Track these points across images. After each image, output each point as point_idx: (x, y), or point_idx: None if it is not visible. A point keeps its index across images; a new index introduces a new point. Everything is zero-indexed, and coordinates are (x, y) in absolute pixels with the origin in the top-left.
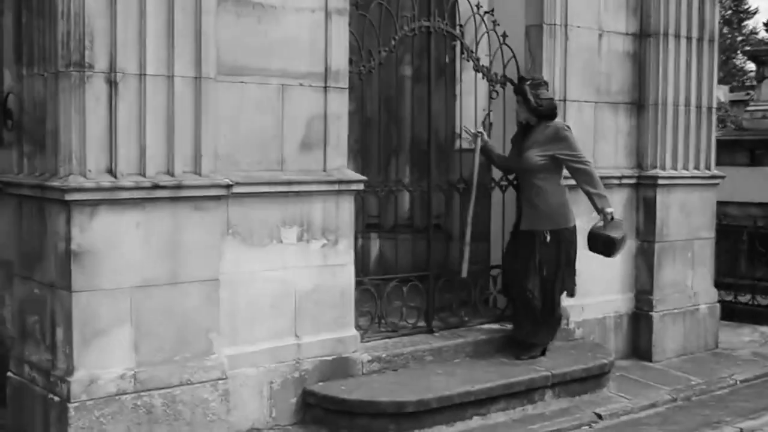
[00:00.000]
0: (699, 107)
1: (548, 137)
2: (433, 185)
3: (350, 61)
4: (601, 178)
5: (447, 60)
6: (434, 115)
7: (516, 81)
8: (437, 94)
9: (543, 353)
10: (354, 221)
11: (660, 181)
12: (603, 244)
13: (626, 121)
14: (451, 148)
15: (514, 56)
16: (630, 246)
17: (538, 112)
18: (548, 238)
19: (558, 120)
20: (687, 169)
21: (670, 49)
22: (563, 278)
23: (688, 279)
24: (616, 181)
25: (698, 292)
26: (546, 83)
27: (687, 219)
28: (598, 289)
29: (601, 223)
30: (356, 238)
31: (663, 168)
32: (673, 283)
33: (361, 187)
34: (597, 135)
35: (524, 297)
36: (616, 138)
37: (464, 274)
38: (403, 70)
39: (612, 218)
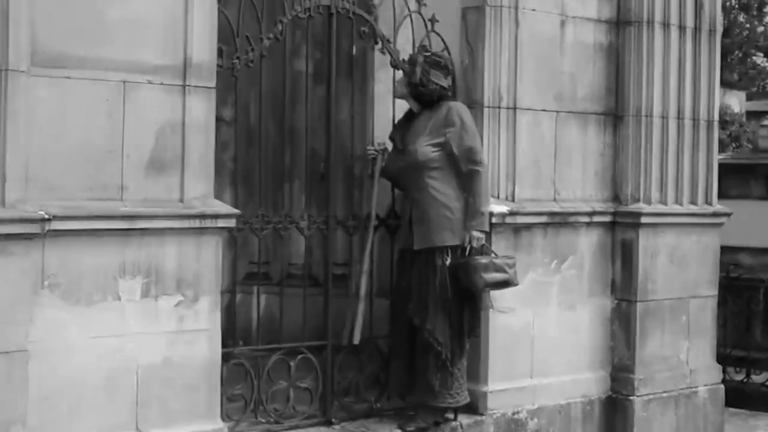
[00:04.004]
0: (695, 120)
1: (439, 121)
2: (336, 221)
3: (220, 52)
4: (566, 214)
5: (355, 52)
6: (339, 125)
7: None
8: (344, 97)
9: (438, 424)
10: (222, 270)
11: (644, 219)
12: (463, 269)
13: (598, 138)
14: (364, 170)
15: (447, 48)
16: (604, 307)
17: (416, 91)
18: (449, 258)
19: (454, 101)
20: (680, 204)
21: (656, 41)
22: (468, 313)
23: (682, 352)
24: (584, 219)
25: (696, 369)
26: (451, 70)
27: (680, 270)
28: (559, 365)
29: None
30: (233, 293)
31: (648, 201)
32: (662, 357)
33: (232, 223)
34: (559, 156)
35: (424, 342)
36: (585, 160)
37: (356, 340)
38: (298, 64)
39: (481, 246)
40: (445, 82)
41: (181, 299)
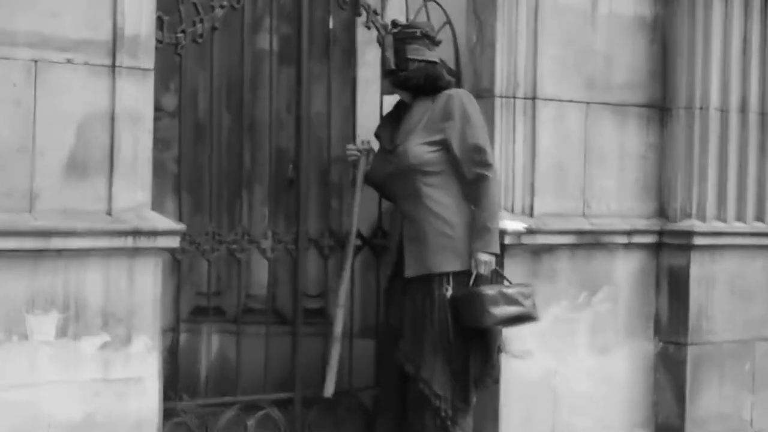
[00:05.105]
0: (764, 114)
1: (436, 113)
2: (307, 241)
3: (160, 23)
4: (599, 233)
5: (331, 25)
6: (312, 119)
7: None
8: (319, 83)
9: None
10: (162, 302)
11: (697, 240)
12: (466, 302)
13: (640, 136)
14: (343, 176)
15: (449, 21)
16: (645, 351)
17: (398, 79)
18: (451, 288)
19: (456, 89)
20: (743, 221)
21: (714, 13)
22: (475, 359)
23: (745, 408)
24: (621, 239)
25: (763, 430)
26: (431, 38)
27: (743, 305)
28: (589, 425)
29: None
30: (176, 332)
31: (702, 218)
32: (719, 414)
33: (175, 242)
34: (590, 159)
35: (418, 395)
36: (622, 164)
37: (328, 392)
38: (261, 40)
39: (491, 272)
40: (432, 55)
41: (108, 340)
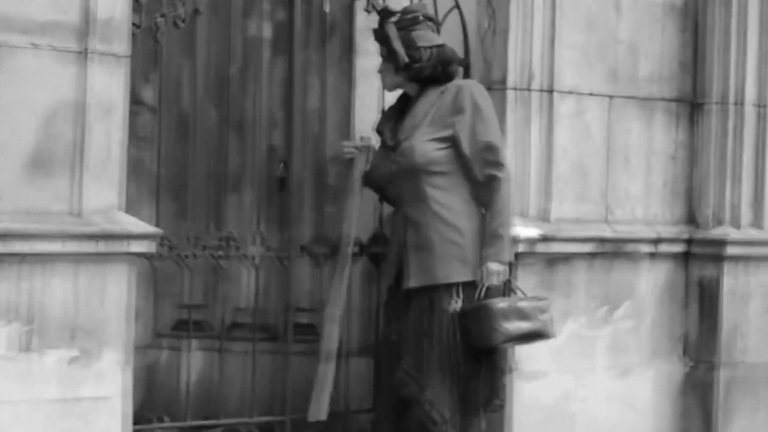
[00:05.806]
0: None
1: (445, 107)
2: (299, 248)
3: (137, 5)
4: (621, 241)
5: (327, 9)
6: (306, 113)
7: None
8: (314, 75)
9: None
10: (137, 315)
11: (730, 250)
12: (474, 316)
13: (668, 134)
14: (340, 176)
15: (458, 5)
16: (672, 373)
17: (411, 71)
18: (459, 300)
19: (465, 80)
20: None
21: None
22: (485, 379)
23: None
24: (647, 248)
25: None
26: (432, 19)
27: None
28: None
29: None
30: (153, 348)
31: (736, 225)
32: None
33: (151, 247)
34: (612, 159)
35: (421, 419)
36: (649, 165)
37: (322, 415)
38: (251, 26)
39: (503, 283)
40: (438, 39)
41: (75, 355)
